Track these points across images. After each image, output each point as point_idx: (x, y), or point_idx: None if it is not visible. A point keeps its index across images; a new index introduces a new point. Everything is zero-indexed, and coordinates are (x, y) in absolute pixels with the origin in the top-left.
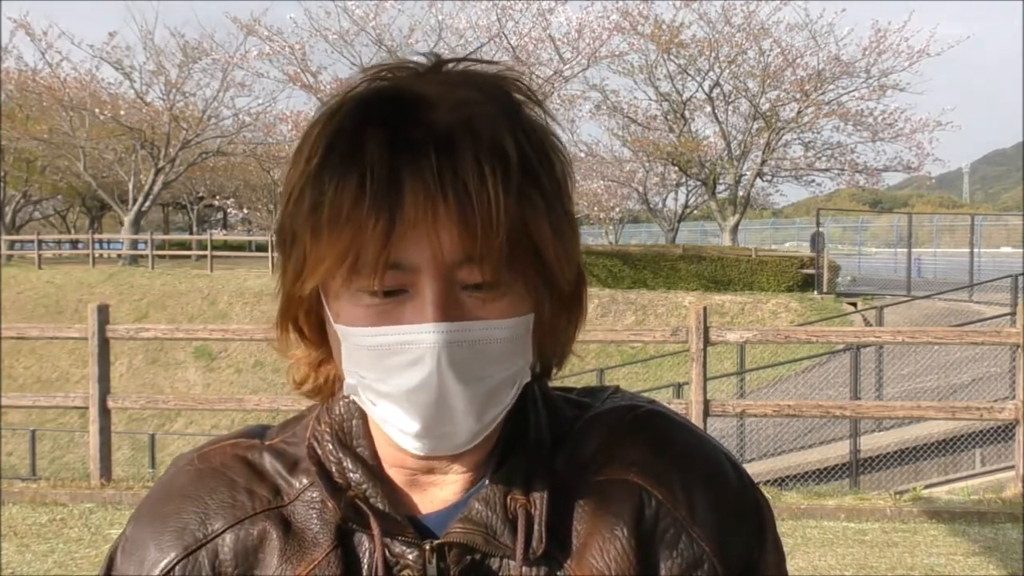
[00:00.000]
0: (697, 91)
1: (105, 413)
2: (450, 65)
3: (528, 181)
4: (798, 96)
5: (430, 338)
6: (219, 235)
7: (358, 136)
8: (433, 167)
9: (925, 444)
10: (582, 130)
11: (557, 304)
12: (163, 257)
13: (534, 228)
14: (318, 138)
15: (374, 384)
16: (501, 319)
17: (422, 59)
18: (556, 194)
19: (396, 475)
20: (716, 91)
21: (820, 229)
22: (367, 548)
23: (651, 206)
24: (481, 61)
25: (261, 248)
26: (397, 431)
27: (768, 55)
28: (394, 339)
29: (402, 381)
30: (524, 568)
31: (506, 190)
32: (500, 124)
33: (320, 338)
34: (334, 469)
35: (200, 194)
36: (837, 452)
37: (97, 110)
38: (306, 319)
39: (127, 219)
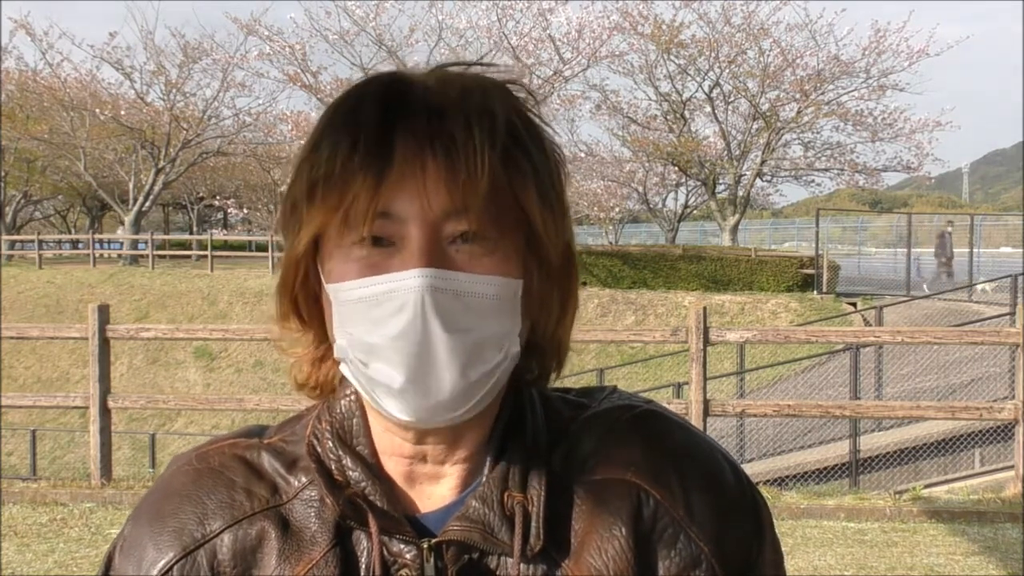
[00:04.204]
0: (697, 91)
1: (105, 413)
2: (451, 69)
3: (515, 145)
4: (798, 96)
5: (413, 283)
6: (219, 235)
7: (355, 107)
8: (424, 125)
9: (925, 444)
10: (582, 130)
11: (546, 277)
12: (163, 257)
13: (520, 190)
14: (320, 121)
15: (363, 336)
16: (488, 274)
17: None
18: (546, 170)
19: (394, 469)
20: (716, 91)
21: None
22: (365, 547)
23: (651, 206)
24: (482, 64)
25: (261, 248)
26: (383, 392)
27: (768, 55)
28: (380, 288)
29: (387, 329)
30: (522, 566)
31: (492, 145)
32: (492, 97)
33: (318, 322)
34: (334, 467)
35: (200, 194)
36: (837, 452)
37: (97, 110)
38: (304, 297)
39: (127, 219)
